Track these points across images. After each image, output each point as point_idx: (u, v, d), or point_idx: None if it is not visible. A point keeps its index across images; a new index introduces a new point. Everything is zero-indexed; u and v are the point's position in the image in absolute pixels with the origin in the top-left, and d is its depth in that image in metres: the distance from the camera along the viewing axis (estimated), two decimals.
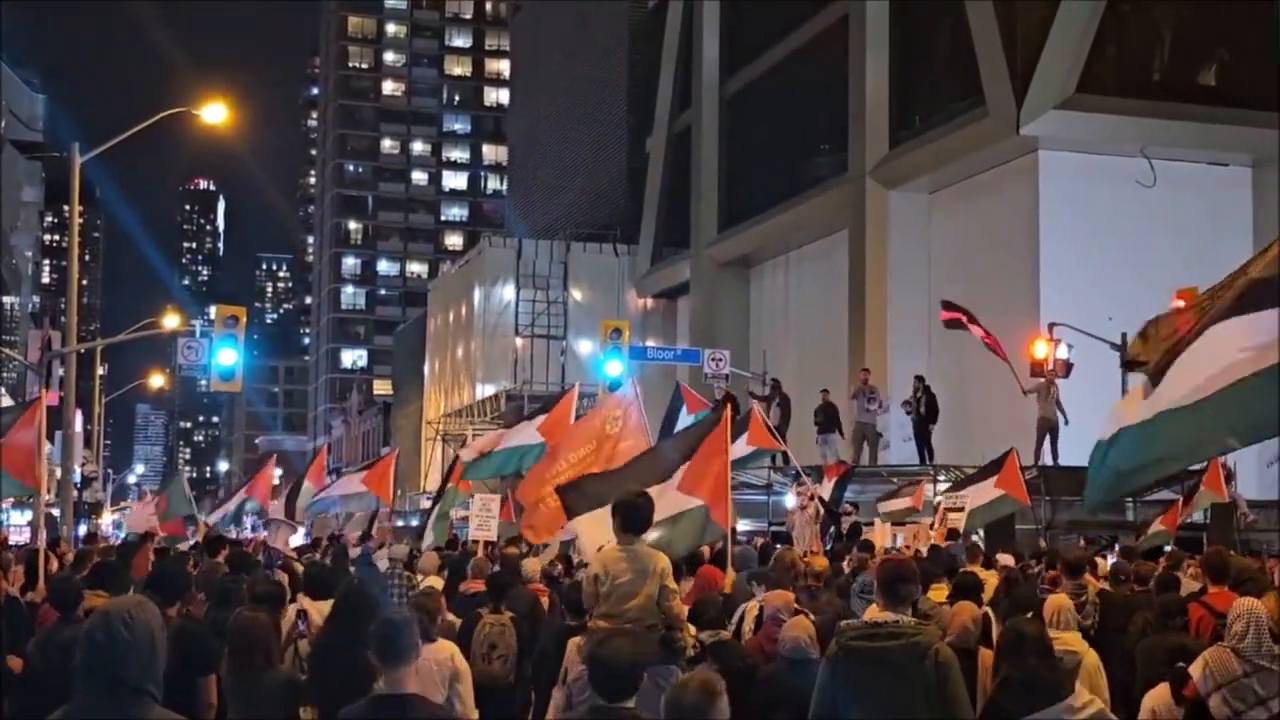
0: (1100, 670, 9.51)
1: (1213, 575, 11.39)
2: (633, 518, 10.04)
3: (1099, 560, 16.90)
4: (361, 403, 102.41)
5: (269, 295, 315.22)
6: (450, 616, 11.89)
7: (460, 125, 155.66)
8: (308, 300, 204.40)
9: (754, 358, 42.89)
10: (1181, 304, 26.62)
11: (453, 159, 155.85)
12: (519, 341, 55.22)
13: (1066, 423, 27.69)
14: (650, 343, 48.86)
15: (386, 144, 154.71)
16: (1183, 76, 34.75)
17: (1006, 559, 16.11)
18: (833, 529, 21.86)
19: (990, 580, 13.14)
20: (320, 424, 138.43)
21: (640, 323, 52.17)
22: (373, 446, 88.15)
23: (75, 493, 39.66)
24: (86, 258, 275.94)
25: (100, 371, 75.09)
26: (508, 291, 56.12)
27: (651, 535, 10.44)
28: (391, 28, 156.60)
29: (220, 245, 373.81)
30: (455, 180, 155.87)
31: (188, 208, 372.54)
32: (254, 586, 10.41)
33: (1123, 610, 12.39)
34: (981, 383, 33.79)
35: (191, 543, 25.03)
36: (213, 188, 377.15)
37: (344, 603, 9.15)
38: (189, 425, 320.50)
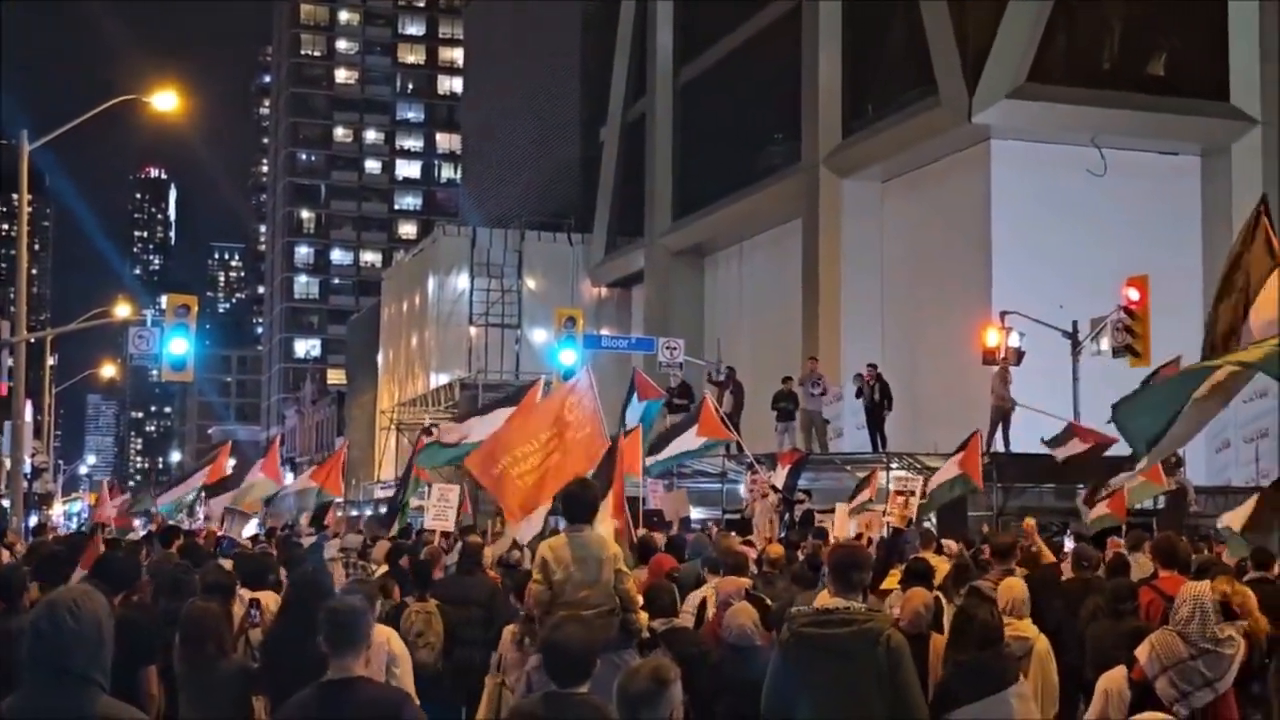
0: (1050, 655, 9.59)
1: (1162, 560, 11.53)
2: (575, 506, 10.07)
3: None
4: (315, 392, 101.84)
5: (221, 284, 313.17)
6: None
7: (414, 113, 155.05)
8: (260, 289, 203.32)
9: (708, 346, 42.94)
10: (1135, 293, 26.96)
11: (406, 147, 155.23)
12: (473, 331, 55.04)
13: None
14: (605, 332, 48.77)
15: (339, 132, 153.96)
16: (1133, 66, 35.04)
17: (950, 544, 16.21)
18: (786, 516, 21.95)
19: (942, 566, 13.22)
20: (273, 414, 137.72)
21: (594, 312, 52.11)
22: (326, 436, 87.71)
23: (25, 484, 39.34)
24: (36, 247, 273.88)
25: (50, 362, 74.41)
26: (462, 281, 55.92)
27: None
28: (344, 15, 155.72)
29: (172, 234, 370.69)
30: (409, 169, 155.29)
31: (139, 196, 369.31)
32: (205, 576, 10.36)
33: (1064, 593, 12.47)
34: (933, 371, 34.02)
35: (143, 533, 24.86)
36: (164, 176, 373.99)
37: (296, 592, 9.11)
38: (140, 416, 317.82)
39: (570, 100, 62.57)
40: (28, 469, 43.75)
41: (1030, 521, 14.82)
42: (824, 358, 33.42)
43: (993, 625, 7.76)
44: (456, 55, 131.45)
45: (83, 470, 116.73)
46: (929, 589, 10.48)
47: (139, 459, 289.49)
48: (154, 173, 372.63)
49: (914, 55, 35.28)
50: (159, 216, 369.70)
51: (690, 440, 22.38)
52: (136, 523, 32.28)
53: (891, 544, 11.79)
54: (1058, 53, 33.71)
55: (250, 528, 26.45)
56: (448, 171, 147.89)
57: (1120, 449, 13.56)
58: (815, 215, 38.50)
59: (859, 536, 16.80)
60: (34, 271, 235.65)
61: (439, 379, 56.32)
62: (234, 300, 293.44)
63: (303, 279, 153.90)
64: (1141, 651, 8.08)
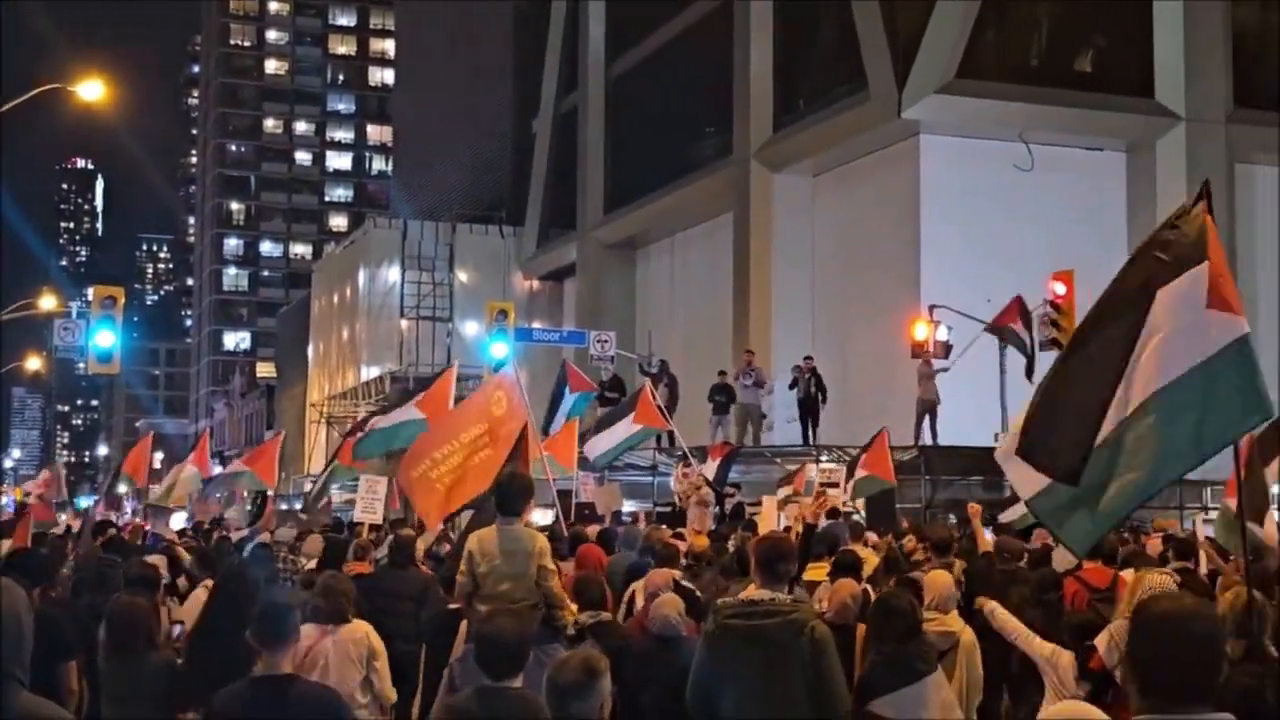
0: (976, 647, 9.68)
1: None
2: (506, 498, 10.09)
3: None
4: (244, 385, 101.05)
5: (149, 276, 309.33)
6: None
7: (344, 105, 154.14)
8: (189, 282, 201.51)
9: (640, 339, 43.00)
10: (1061, 287, 27.19)
11: (337, 139, 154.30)
12: (404, 323, 54.77)
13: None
14: (536, 324, 48.79)
15: (269, 123, 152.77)
16: (1060, 63, 35.43)
17: (872, 537, 16.30)
18: (716, 509, 22.03)
19: (870, 558, 13.33)
20: (202, 407, 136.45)
21: (526, 305, 52.03)
22: (256, 430, 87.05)
23: None
24: None
25: None
26: (393, 273, 55.63)
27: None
28: (274, 5, 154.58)
29: (99, 225, 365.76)
30: (339, 161, 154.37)
31: (65, 187, 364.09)
32: (129, 570, 10.28)
33: (989, 585, 12.58)
34: (863, 364, 34.21)
35: (65, 527, 24.62)
36: (91, 167, 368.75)
37: (225, 585, 9.07)
38: (67, 409, 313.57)
39: (502, 92, 62.34)
40: None
41: (976, 506, 14.82)
42: (756, 351, 33.52)
43: (911, 616, 7.85)
44: (388, 46, 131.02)
45: (8, 464, 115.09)
46: (857, 581, 10.58)
47: (65, 453, 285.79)
48: (81, 163, 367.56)
49: (844, 50, 35.44)
50: (86, 208, 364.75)
51: (626, 428, 22.43)
52: (62, 516, 31.85)
53: (808, 537, 11.86)
54: (986, 49, 33.99)
55: (177, 521, 26.26)
56: (379, 163, 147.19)
57: None
58: (746, 209, 38.61)
59: (787, 529, 16.88)
60: None
61: (370, 372, 56.06)
62: (162, 292, 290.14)
63: (232, 271, 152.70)
64: (1101, 641, 8.20)
